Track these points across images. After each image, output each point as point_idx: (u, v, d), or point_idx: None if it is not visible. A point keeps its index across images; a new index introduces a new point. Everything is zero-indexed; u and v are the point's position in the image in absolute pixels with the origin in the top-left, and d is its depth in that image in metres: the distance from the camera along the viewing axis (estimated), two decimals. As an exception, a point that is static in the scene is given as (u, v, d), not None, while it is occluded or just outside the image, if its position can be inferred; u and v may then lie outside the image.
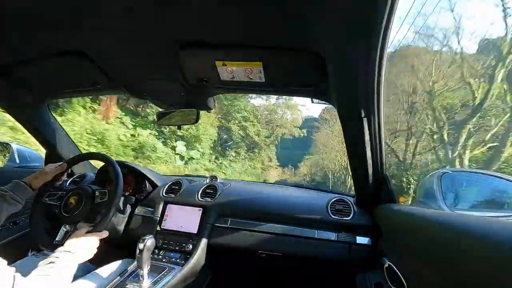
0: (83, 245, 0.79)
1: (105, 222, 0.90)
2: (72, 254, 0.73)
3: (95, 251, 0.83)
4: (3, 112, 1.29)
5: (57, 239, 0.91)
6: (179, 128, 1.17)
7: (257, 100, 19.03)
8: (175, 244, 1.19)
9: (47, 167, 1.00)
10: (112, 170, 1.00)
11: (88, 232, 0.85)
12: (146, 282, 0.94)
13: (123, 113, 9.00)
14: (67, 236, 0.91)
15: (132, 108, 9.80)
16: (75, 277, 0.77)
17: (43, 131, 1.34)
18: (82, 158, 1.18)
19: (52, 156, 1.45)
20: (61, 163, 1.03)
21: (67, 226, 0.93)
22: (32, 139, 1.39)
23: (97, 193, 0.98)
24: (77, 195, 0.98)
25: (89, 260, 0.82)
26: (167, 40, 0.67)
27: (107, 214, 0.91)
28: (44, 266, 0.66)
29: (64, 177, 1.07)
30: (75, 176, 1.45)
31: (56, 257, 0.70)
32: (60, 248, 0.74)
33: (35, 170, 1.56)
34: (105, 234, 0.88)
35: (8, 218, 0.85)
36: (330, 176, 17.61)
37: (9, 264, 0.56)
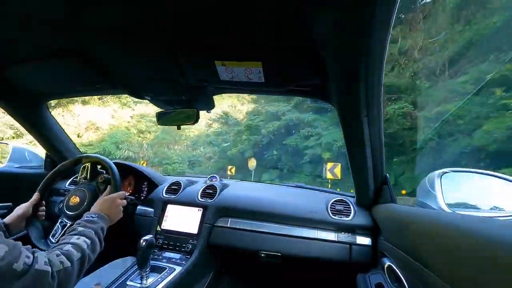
0: (106, 208, 0.82)
1: (117, 182, 0.95)
2: (93, 221, 0.75)
3: (121, 210, 0.87)
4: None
5: (53, 232, 0.91)
6: (179, 128, 1.17)
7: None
8: (175, 244, 1.19)
9: (19, 208, 0.88)
10: (103, 162, 1.03)
11: (105, 197, 0.88)
12: (146, 282, 0.94)
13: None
14: (63, 230, 0.91)
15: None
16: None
17: (43, 131, 1.34)
18: (53, 176, 1.03)
19: (52, 156, 1.45)
20: (35, 195, 0.94)
21: (64, 219, 0.93)
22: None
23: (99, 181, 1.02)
24: (78, 193, 0.98)
25: None
26: (167, 40, 0.67)
27: (113, 177, 0.96)
28: (65, 237, 0.67)
29: (43, 207, 0.96)
30: (74, 177, 1.45)
31: (78, 224, 0.72)
32: (85, 214, 0.77)
33: (35, 169, 1.57)
34: (122, 193, 0.92)
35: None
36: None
37: None
